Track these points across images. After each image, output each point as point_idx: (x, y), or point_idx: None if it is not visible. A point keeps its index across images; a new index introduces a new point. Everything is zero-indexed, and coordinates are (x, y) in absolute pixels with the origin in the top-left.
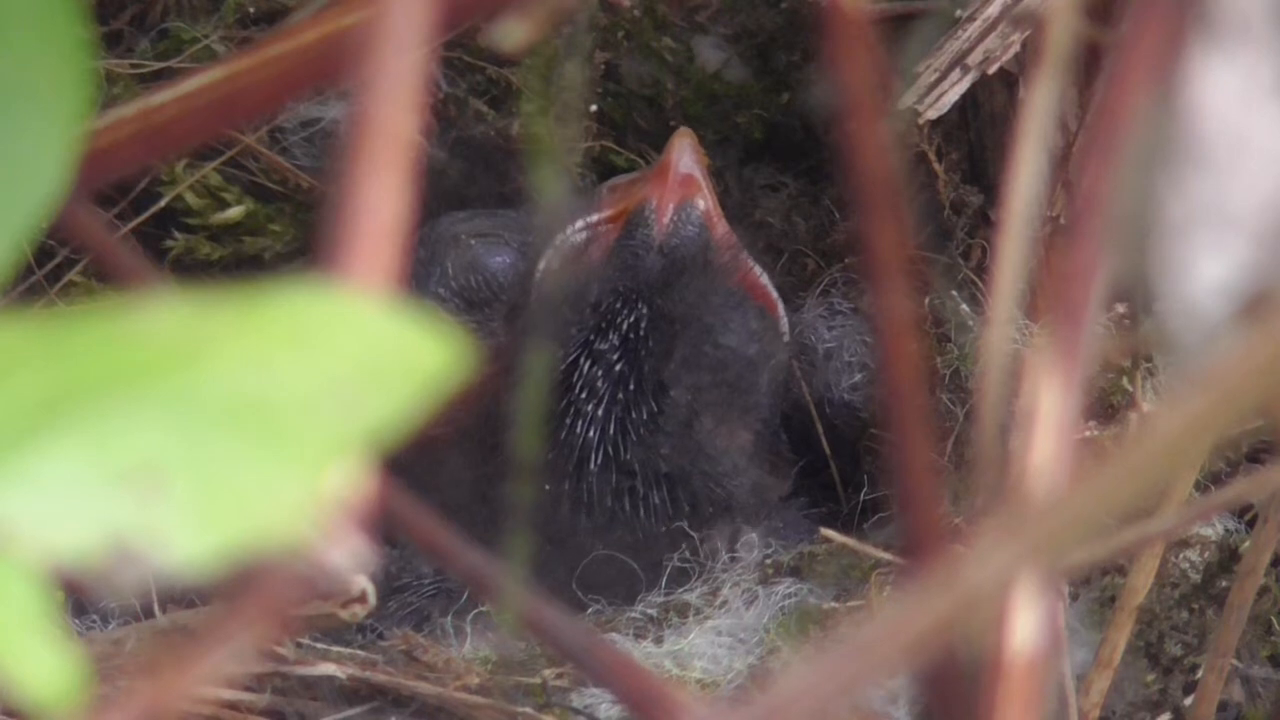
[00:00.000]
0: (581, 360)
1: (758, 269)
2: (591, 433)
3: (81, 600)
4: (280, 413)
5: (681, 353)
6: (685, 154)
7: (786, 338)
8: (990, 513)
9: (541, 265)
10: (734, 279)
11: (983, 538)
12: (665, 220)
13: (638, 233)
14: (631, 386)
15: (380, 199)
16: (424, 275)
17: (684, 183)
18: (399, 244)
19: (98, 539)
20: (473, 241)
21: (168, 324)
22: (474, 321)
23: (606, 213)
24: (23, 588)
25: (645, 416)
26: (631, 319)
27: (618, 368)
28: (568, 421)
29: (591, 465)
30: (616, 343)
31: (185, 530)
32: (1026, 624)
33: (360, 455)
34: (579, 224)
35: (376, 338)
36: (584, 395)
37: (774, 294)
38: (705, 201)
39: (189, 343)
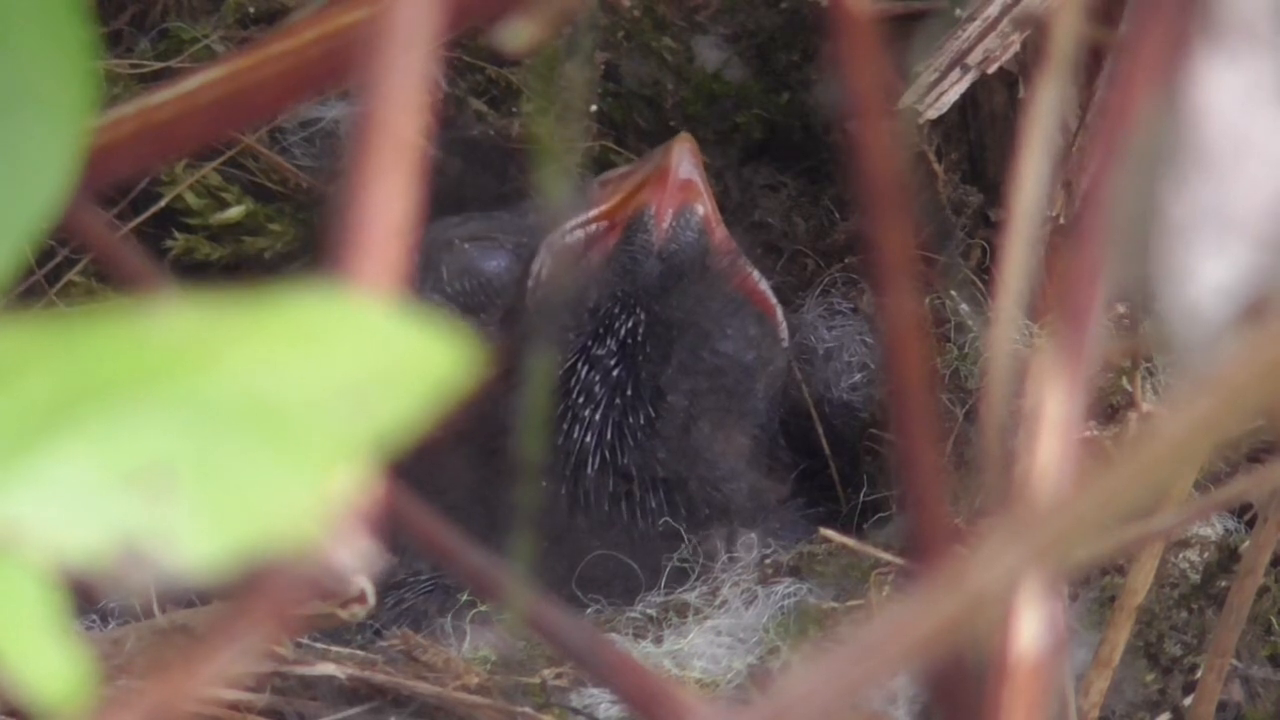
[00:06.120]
0: (579, 366)
1: (756, 274)
2: (589, 438)
3: (81, 600)
4: (289, 415)
5: (679, 358)
6: (685, 159)
7: (786, 343)
8: (994, 514)
9: (536, 265)
10: (732, 284)
11: (988, 539)
12: (664, 226)
13: (637, 238)
14: (629, 392)
15: (386, 200)
16: (419, 281)
17: (683, 188)
18: (405, 246)
19: (106, 540)
20: (467, 246)
21: (177, 326)
22: (471, 326)
23: (600, 209)
24: (31, 588)
25: (642, 422)
26: (629, 324)
27: (615, 373)
28: (565, 427)
29: (589, 470)
30: (614, 348)
31: (194, 531)
32: (1031, 625)
33: (368, 458)
34: (573, 222)
35: (385, 340)
36: (581, 400)
37: (773, 299)
38: (704, 207)
39: (198, 345)
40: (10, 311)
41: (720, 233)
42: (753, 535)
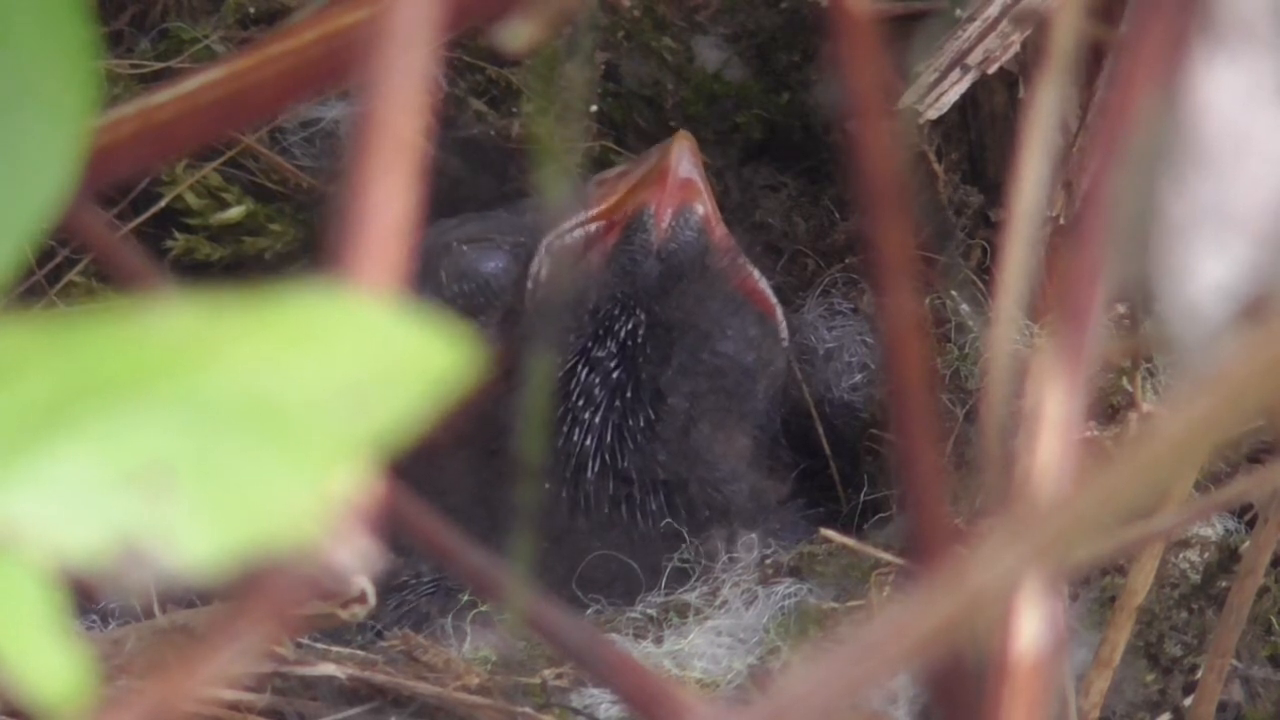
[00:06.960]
0: (579, 368)
1: (756, 273)
2: (589, 440)
3: (81, 600)
4: (290, 414)
5: (679, 360)
6: (684, 158)
7: (785, 343)
8: (994, 514)
9: (535, 266)
10: (732, 284)
11: (988, 539)
12: (664, 225)
13: (636, 238)
14: (629, 394)
15: (386, 200)
16: (418, 286)
17: (683, 187)
18: (406, 245)
19: (106, 540)
20: (464, 248)
21: (177, 325)
22: (472, 328)
23: (597, 209)
24: (31, 588)
25: (642, 424)
26: (629, 326)
27: (615, 375)
28: (565, 429)
29: (589, 472)
30: (614, 350)
31: (194, 531)
32: (1031, 625)
33: (369, 457)
34: (570, 222)
35: (386, 340)
36: (581, 403)
37: (772, 299)
38: (704, 206)
39: (199, 344)
40: (10, 311)
41: (720, 232)
42: (753, 536)
